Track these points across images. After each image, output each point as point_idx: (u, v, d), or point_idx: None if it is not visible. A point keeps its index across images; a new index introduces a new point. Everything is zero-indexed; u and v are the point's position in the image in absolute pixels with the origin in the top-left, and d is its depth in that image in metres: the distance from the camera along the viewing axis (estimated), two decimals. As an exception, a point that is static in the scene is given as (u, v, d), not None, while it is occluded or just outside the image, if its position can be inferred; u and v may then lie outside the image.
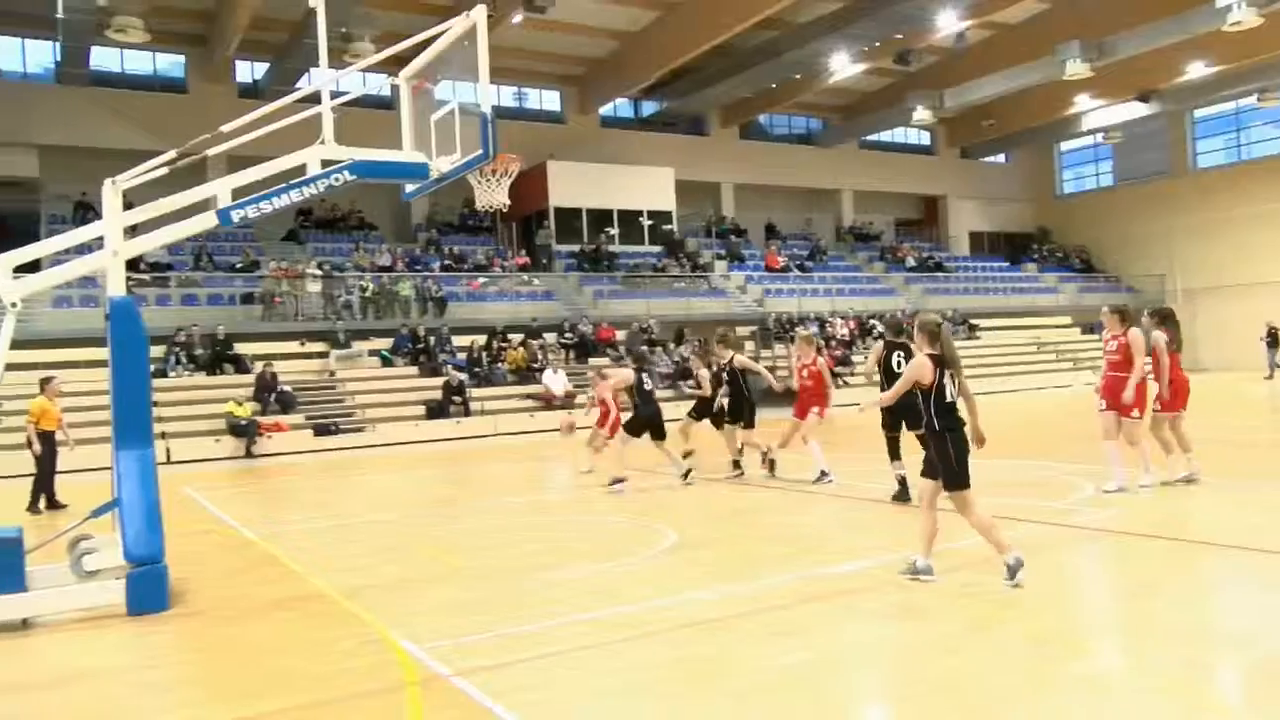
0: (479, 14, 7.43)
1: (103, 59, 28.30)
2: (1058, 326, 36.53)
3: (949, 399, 6.43)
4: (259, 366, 22.21)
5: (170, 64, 29.98)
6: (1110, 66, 29.09)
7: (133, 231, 7.63)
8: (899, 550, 7.35)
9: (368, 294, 26.46)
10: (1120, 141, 39.52)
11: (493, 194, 8.77)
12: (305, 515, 12.05)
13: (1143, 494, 9.50)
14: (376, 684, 5.10)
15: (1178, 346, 10.10)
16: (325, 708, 4.79)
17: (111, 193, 7.24)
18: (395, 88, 8.73)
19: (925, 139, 42.50)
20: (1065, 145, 43.50)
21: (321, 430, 21.46)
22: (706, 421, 12.93)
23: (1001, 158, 44.57)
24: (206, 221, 7.54)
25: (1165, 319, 10.07)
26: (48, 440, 12.48)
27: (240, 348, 23.38)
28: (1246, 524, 8.20)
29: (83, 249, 8.27)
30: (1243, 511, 8.80)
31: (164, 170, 7.48)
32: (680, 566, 7.60)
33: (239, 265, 26.68)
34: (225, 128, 7.56)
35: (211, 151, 7.81)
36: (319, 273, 26.51)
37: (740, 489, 11.73)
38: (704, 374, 12.99)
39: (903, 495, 9.78)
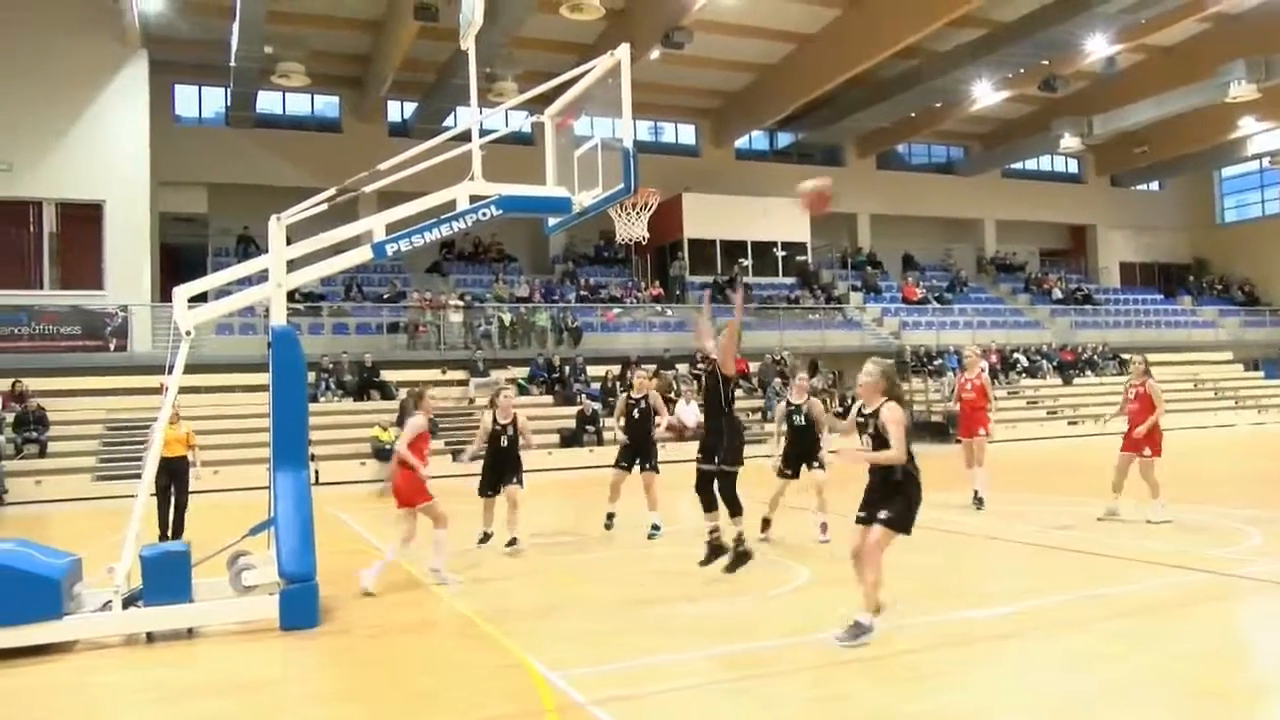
0: (623, 52, 7.61)
1: (267, 102, 30.14)
2: (1217, 363, 34.53)
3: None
4: (402, 393, 23.01)
5: (326, 105, 31.67)
6: (1277, 87, 27.53)
7: (292, 264, 8.06)
8: (1046, 595, 7.07)
9: (506, 324, 27.15)
10: (1289, 167, 37.31)
11: (632, 227, 8.90)
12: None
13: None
14: (516, 708, 5.19)
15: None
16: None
17: (276, 228, 7.67)
18: (537, 125, 9.00)
19: (1072, 166, 41.04)
20: (1226, 171, 41.26)
21: (458, 455, 21.98)
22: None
23: (1155, 185, 42.61)
24: (362, 255, 7.91)
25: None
26: (173, 468, 11.42)
27: (386, 375, 24.31)
28: None
29: (243, 281, 8.81)
30: None
31: (324, 207, 7.88)
32: (812, 604, 7.48)
33: (386, 296, 27.79)
34: (381, 166, 7.92)
35: (368, 188, 8.19)
36: (460, 303, 27.39)
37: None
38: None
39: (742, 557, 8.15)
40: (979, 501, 12.13)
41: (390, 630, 7.07)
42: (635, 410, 11.52)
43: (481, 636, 6.71)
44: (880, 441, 6.08)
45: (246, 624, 7.01)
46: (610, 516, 11.57)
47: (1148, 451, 10.62)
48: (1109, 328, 34.70)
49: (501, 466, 10.53)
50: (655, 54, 25.67)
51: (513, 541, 10.33)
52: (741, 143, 35.82)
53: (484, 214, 7.89)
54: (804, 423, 10.25)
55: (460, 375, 25.19)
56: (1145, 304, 38.54)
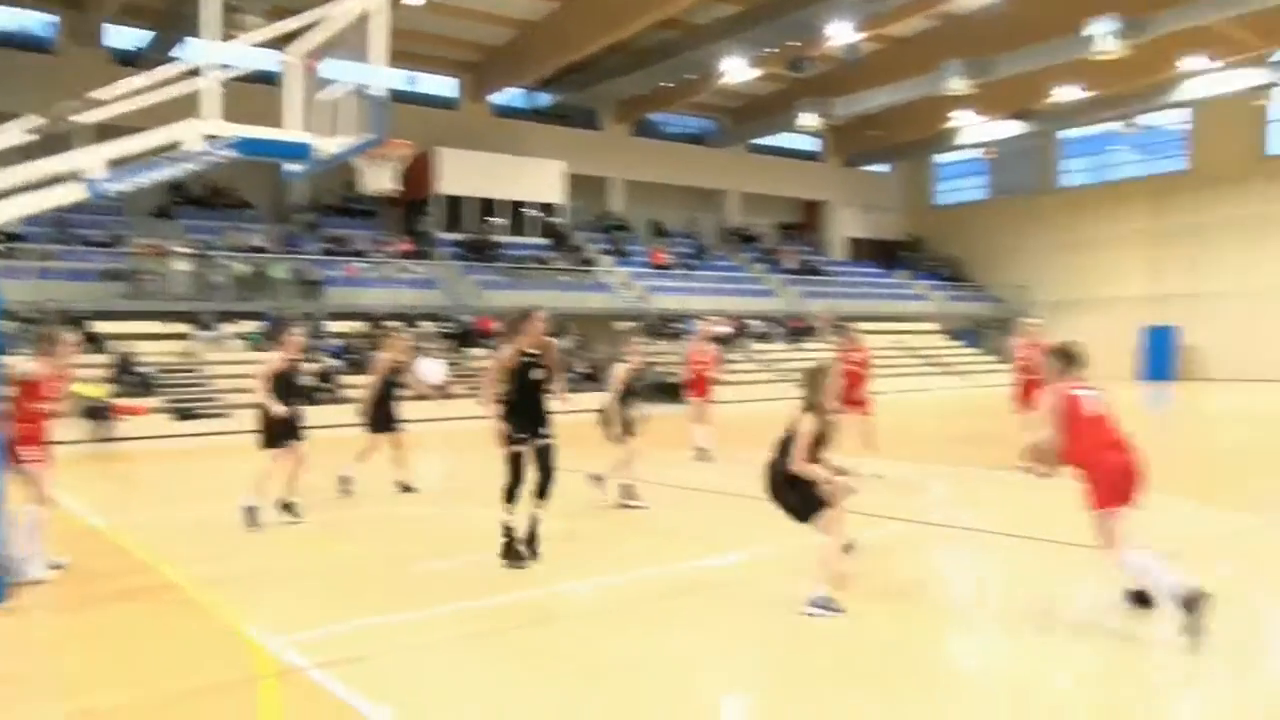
0: (376, -8, 7.26)
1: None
2: (926, 333, 37.85)
3: None
4: (117, 347, 21.21)
5: (38, 22, 28.28)
6: (990, 85, 30.28)
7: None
8: (769, 543, 7.50)
9: (239, 276, 25.53)
10: (996, 157, 41.20)
11: (381, 179, 8.56)
12: (159, 502, 11.57)
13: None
14: (227, 677, 4.93)
15: None
16: (173, 702, 4.61)
17: (-35, 157, 6.78)
18: (284, 64, 8.44)
19: (813, 145, 43.44)
20: (943, 158, 45.07)
21: (183, 415, 20.63)
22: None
23: (885, 167, 45.91)
24: (75, 193, 7.13)
25: None
26: None
27: (101, 327, 22.26)
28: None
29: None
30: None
31: (30, 136, 7.06)
32: (548, 562, 7.57)
33: (104, 240, 25.37)
34: (98, 93, 7.17)
35: (82, 117, 7.40)
36: (188, 251, 25.46)
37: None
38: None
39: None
40: (703, 453, 13.02)
41: (88, 602, 6.51)
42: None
43: (192, 605, 6.31)
44: None
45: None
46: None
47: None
48: (835, 298, 37.10)
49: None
50: (416, 0, 24.74)
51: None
52: (500, 99, 35.32)
53: (220, 155, 7.32)
54: None
55: (185, 328, 23.46)
56: (867, 277, 41.53)
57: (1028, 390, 11.04)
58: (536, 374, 7.48)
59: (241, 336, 23.79)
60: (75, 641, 5.69)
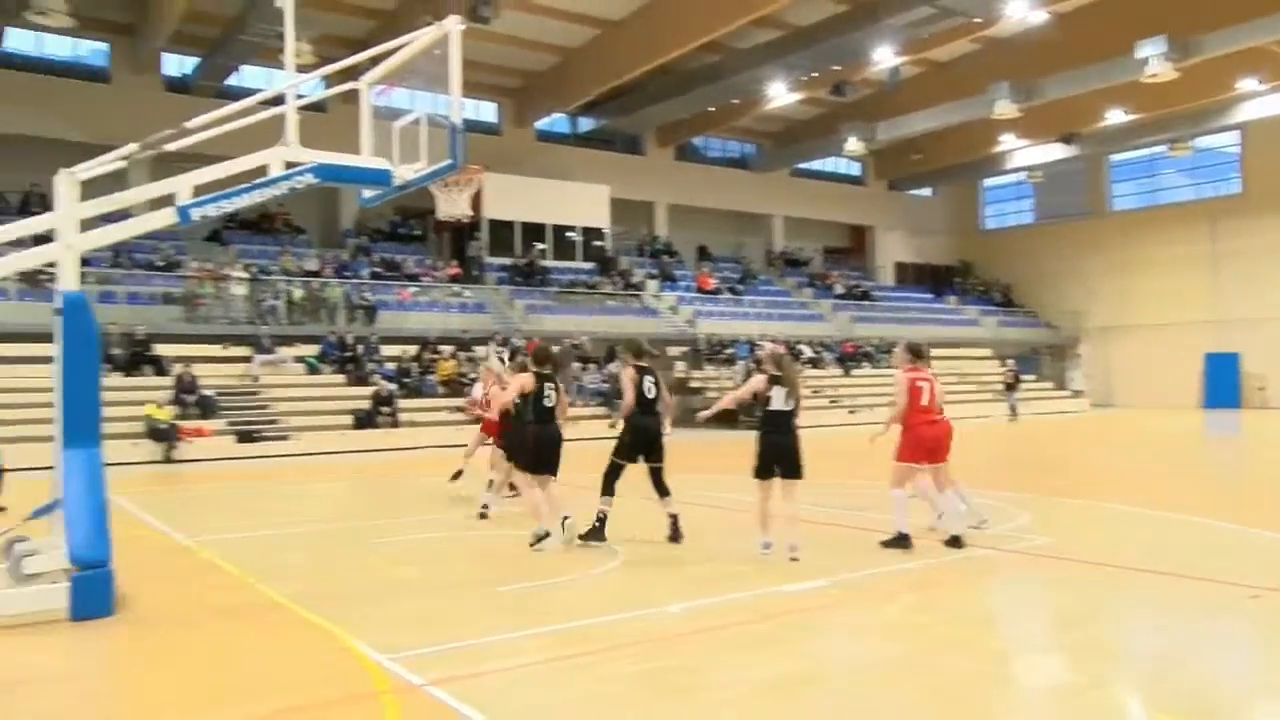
0: (452, 25, 7.45)
1: (18, 42, 27.25)
2: (978, 359, 37.57)
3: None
4: (178, 368, 21.59)
5: (93, 51, 29.05)
6: (1036, 108, 30.17)
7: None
8: (855, 570, 7.53)
9: (295, 299, 25.94)
10: (1041, 181, 40.92)
11: (455, 204, 8.73)
12: (239, 522, 11.73)
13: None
14: (346, 691, 5.01)
15: None
16: (295, 715, 4.69)
17: (67, 182, 7.01)
18: (351, 93, 8.62)
19: (855, 169, 43.40)
20: (989, 181, 44.84)
21: (244, 437, 20.93)
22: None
23: (928, 191, 45.74)
24: (166, 218, 7.34)
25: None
26: None
27: (160, 349, 22.70)
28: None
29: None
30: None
31: (121, 164, 7.28)
32: (633, 583, 7.62)
33: (160, 264, 25.90)
34: (189, 124, 7.39)
35: (171, 147, 7.61)
36: (244, 275, 25.91)
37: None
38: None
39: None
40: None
41: (196, 617, 6.63)
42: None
43: (298, 622, 6.40)
44: None
45: (28, 615, 6.37)
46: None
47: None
48: (885, 323, 36.98)
49: None
50: (461, 27, 25.07)
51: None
52: (543, 124, 35.70)
53: (299, 181, 7.50)
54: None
55: (244, 351, 23.85)
56: (917, 302, 41.37)
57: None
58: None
59: (299, 360, 24.10)
60: (188, 656, 5.79)
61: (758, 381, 8.29)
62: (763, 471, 8.19)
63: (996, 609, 7.13)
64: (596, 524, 8.74)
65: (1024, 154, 38.29)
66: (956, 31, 28.21)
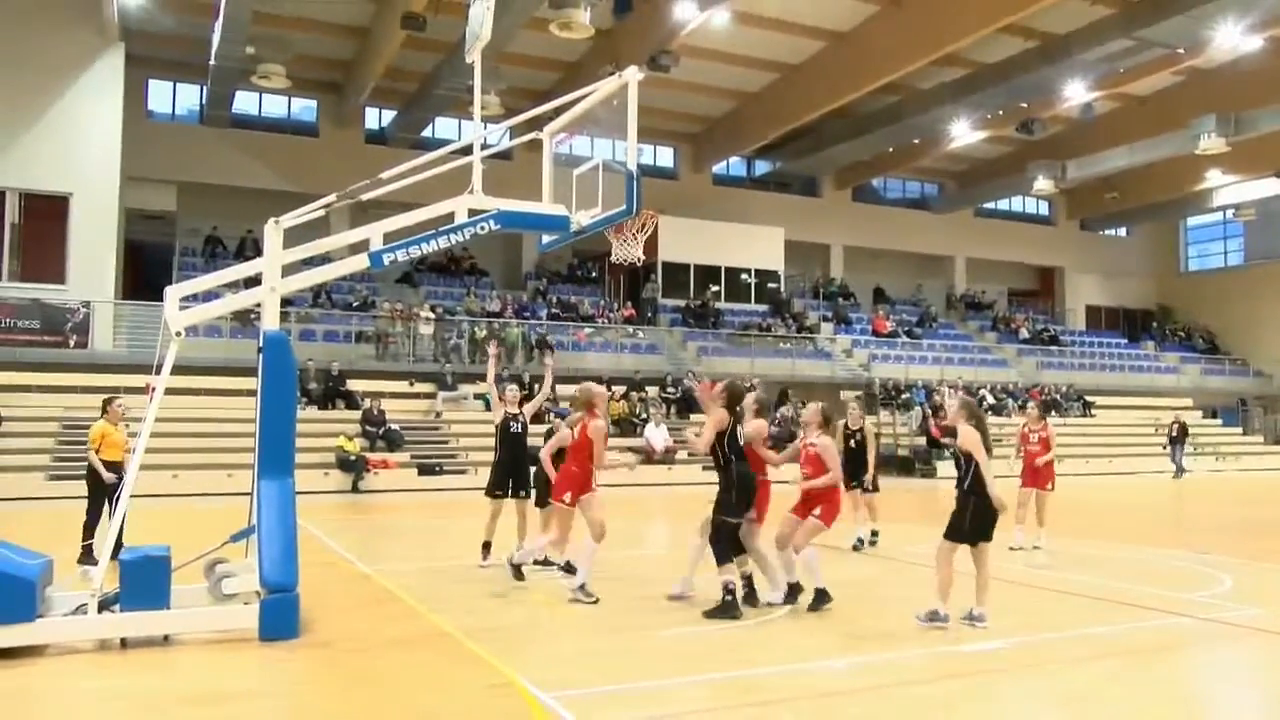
0: (631, 75, 7.65)
1: (242, 102, 29.80)
2: (1178, 409, 35.08)
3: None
4: (367, 402, 22.75)
5: (303, 108, 31.41)
6: (1246, 142, 28.20)
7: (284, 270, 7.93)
8: (1034, 632, 7.13)
9: (477, 338, 26.99)
10: (1252, 219, 38.07)
11: (629, 248, 8.89)
12: (416, 552, 12.21)
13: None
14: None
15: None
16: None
17: (274, 231, 7.55)
18: (534, 141, 8.98)
19: (1043, 208, 41.69)
20: (1192, 220, 42.13)
21: (425, 470, 21.81)
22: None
23: (1123, 231, 43.39)
24: (359, 263, 7.81)
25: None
26: (113, 472, 10.00)
27: (352, 384, 24.04)
28: None
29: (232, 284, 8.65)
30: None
31: (321, 212, 7.79)
32: (801, 632, 7.43)
33: (355, 304, 27.50)
34: (384, 174, 7.85)
35: (367, 196, 8.11)
36: (431, 315, 27.19)
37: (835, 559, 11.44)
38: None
39: (750, 599, 8.06)
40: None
41: (372, 645, 6.91)
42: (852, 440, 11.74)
43: (467, 655, 6.57)
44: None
45: (224, 633, 6.83)
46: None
47: (1050, 486, 11.91)
48: (1074, 369, 35.16)
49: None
50: (640, 76, 25.69)
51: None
52: (719, 168, 36.02)
53: (482, 227, 7.82)
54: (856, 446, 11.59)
55: (429, 388, 24.96)
56: (1110, 347, 39.13)
57: None
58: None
59: (479, 397, 24.98)
60: (365, 683, 6.02)
61: (972, 436, 7.22)
62: (969, 535, 7.28)
63: (1197, 686, 6.56)
64: (727, 598, 7.60)
65: (1231, 191, 35.77)
66: (1157, 64, 26.78)
